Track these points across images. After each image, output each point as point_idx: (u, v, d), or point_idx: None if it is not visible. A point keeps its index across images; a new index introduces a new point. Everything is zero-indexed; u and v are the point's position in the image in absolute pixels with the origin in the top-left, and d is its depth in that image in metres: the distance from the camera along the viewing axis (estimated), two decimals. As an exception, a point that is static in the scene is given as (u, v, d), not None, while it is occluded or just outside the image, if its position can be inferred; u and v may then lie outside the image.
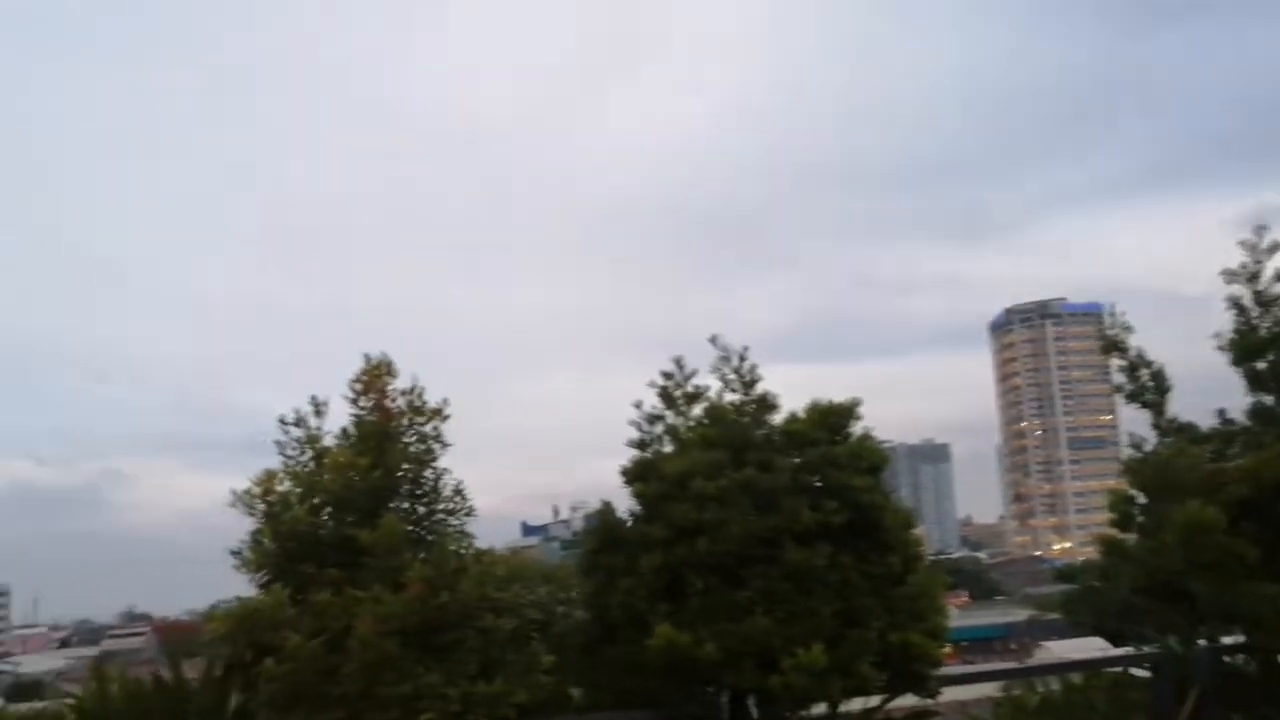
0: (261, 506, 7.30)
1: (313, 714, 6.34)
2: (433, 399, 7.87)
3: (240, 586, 7.20)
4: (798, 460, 7.88)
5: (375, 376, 7.73)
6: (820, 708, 7.70)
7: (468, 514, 7.88)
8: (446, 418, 7.88)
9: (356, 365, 7.75)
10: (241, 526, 7.28)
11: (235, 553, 7.26)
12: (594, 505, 8.55)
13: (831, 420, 8.14)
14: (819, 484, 7.82)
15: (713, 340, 8.43)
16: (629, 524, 8.00)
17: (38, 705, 9.47)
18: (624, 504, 8.11)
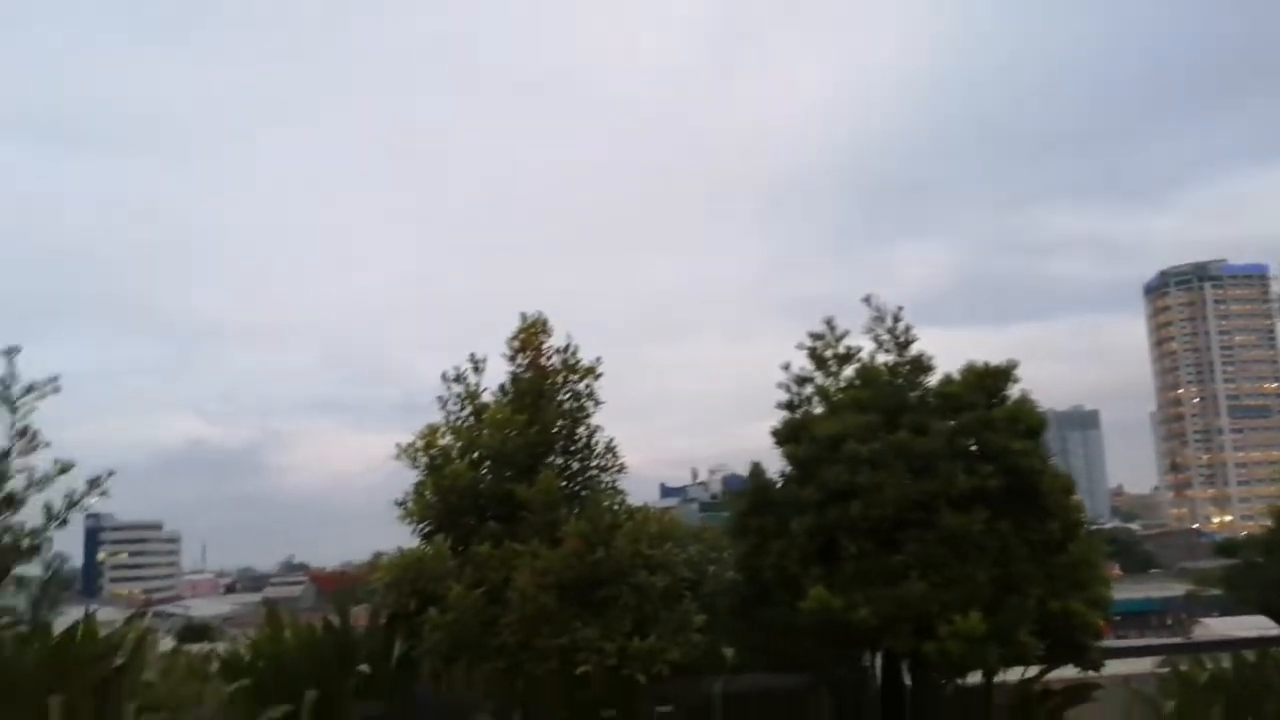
0: (424, 460, 7.53)
1: (474, 663, 6.53)
2: (586, 358, 7.97)
3: (393, 540, 7.44)
4: (953, 423, 7.71)
5: (531, 335, 7.86)
6: (976, 677, 7.58)
7: (619, 471, 7.98)
8: (599, 375, 7.98)
9: (513, 325, 7.90)
10: (396, 482, 7.52)
11: (399, 504, 7.51)
12: (733, 469, 8.57)
13: (988, 383, 7.94)
14: (975, 448, 7.65)
15: (867, 300, 8.31)
16: (779, 486, 7.97)
17: (207, 646, 9.96)
18: (772, 467, 8.08)
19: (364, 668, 6.83)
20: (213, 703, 6.79)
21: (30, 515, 7.19)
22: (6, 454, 7.16)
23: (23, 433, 7.22)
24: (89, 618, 7.24)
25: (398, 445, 7.49)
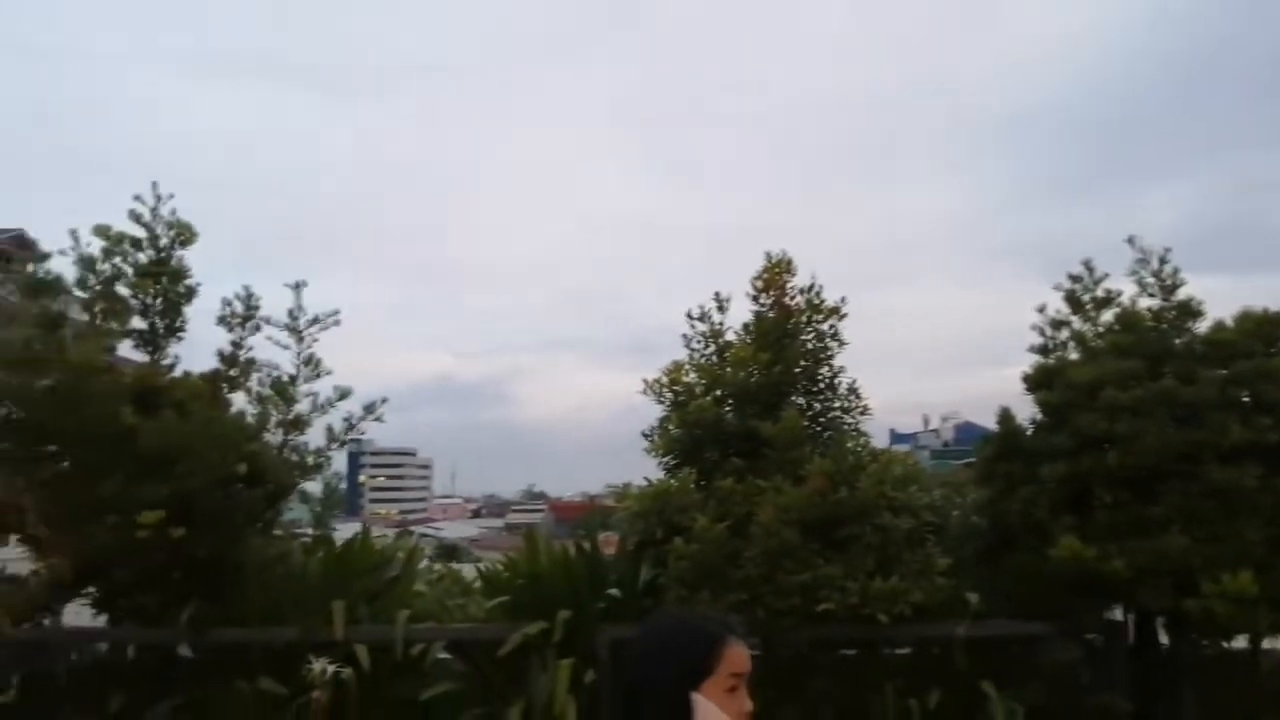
0: (669, 396, 7.74)
1: (717, 593, 6.71)
2: (830, 298, 7.93)
3: (623, 470, 7.71)
4: (1225, 373, 7.24)
5: (775, 274, 7.89)
6: (1240, 641, 7.18)
7: (862, 412, 7.93)
8: (844, 316, 7.92)
9: (747, 262, 7.95)
10: (626, 417, 7.75)
11: (646, 436, 7.76)
12: (965, 416, 8.35)
13: (1266, 330, 7.40)
14: (1249, 399, 7.17)
15: (1130, 241, 7.87)
16: (1029, 432, 7.73)
17: (460, 566, 10.61)
18: (1019, 414, 7.83)
19: (614, 591, 7.14)
20: (476, 615, 7.29)
21: (313, 436, 7.90)
22: (294, 380, 7.86)
23: (308, 361, 7.90)
24: (365, 531, 7.90)
25: (644, 381, 7.71)
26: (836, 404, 7.92)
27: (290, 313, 7.86)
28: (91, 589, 7.06)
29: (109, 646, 7.20)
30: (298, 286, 7.89)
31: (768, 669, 6.84)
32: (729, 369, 7.75)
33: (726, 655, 1.95)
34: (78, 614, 7.31)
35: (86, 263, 7.42)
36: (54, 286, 7.21)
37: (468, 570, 9.04)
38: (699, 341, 7.99)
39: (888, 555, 6.85)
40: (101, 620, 7.15)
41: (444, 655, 7.25)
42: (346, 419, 7.91)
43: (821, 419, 7.88)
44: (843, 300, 7.93)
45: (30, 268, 7.46)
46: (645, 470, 7.89)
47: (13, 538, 7.32)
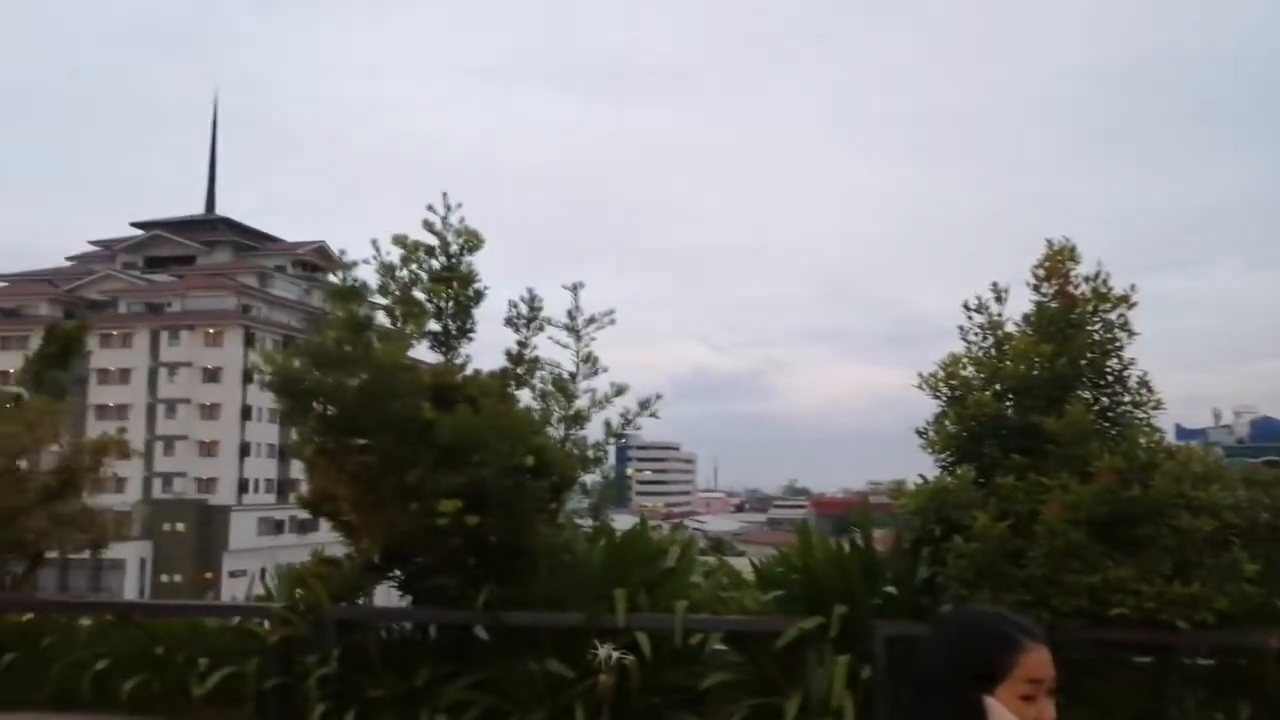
0: (945, 390, 7.56)
1: (998, 593, 6.51)
2: (1118, 286, 7.52)
3: (885, 466, 7.57)
4: None
5: (1058, 262, 7.55)
6: None
7: (1155, 407, 7.47)
8: (1133, 305, 7.49)
9: (1021, 250, 7.63)
10: (891, 410, 7.63)
11: (920, 433, 7.61)
12: (1262, 411, 7.65)
13: None
14: None
15: None
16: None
17: (728, 559, 10.72)
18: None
19: (890, 588, 7.07)
20: (750, 608, 7.39)
21: (592, 431, 8.24)
22: (573, 377, 8.22)
23: (586, 359, 8.25)
24: (643, 523, 8.16)
25: (919, 375, 7.57)
26: (1126, 398, 7.50)
27: (569, 313, 8.21)
28: (397, 572, 7.64)
29: (413, 625, 7.77)
30: (575, 288, 8.23)
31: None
32: (1009, 362, 7.49)
33: (1024, 659, 1.89)
34: (386, 595, 7.93)
35: (387, 270, 8.02)
36: (360, 293, 7.85)
37: (736, 563, 9.16)
38: (976, 334, 7.75)
39: (1186, 559, 6.44)
40: (406, 601, 7.73)
41: (720, 646, 7.39)
42: (623, 414, 8.20)
43: (1109, 414, 7.47)
44: (1132, 288, 7.50)
45: (337, 276, 8.16)
46: (909, 465, 7.77)
47: (328, 523, 8.05)
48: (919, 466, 7.65)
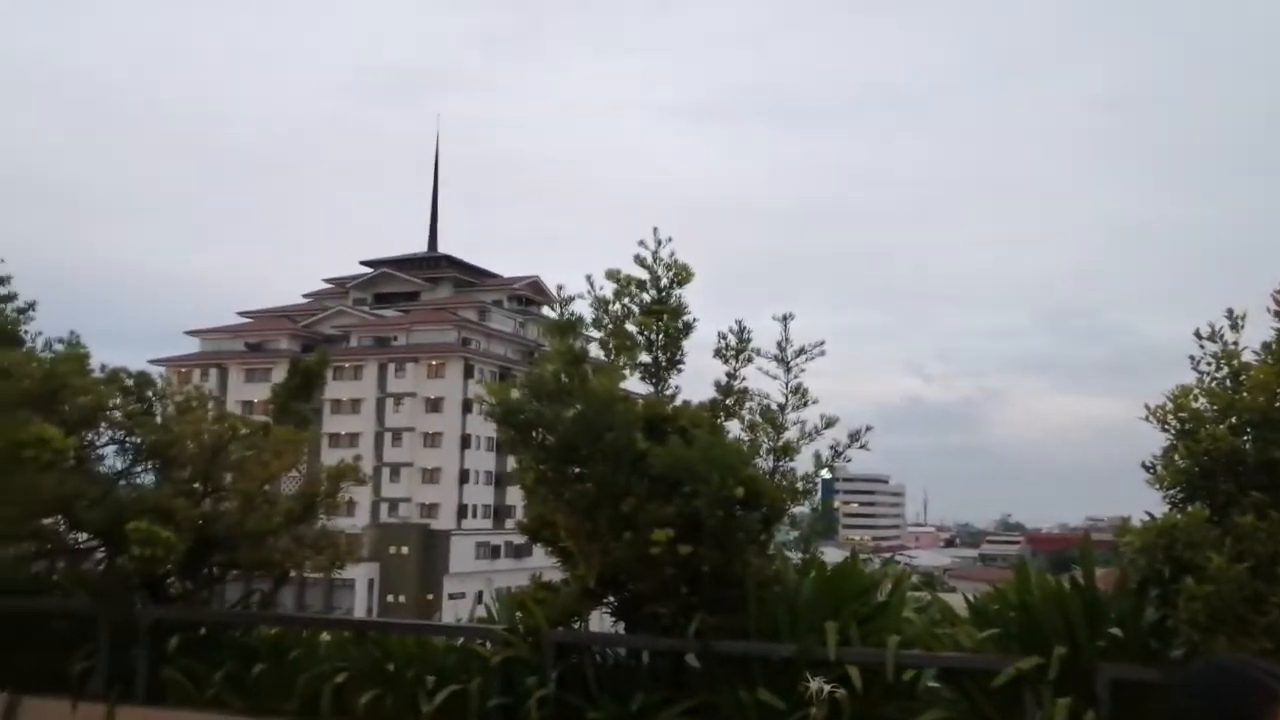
0: (1174, 423, 7.21)
1: (1236, 639, 6.15)
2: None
3: (1107, 504, 7.23)
4: None
5: (1300, 288, 7.10)
6: None
7: None
8: (1397, 332, 6.95)
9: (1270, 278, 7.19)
10: (1111, 444, 7.29)
11: (1148, 468, 7.28)
12: None
13: None
14: None
15: None
16: None
17: (940, 595, 10.46)
18: None
19: (1115, 630, 6.78)
20: (964, 644, 7.22)
21: (801, 463, 8.26)
22: (783, 408, 8.28)
23: (795, 390, 8.29)
24: (854, 555, 8.12)
25: (1146, 407, 7.26)
26: (1386, 433, 6.95)
27: (778, 344, 8.28)
28: (612, 598, 7.86)
29: (627, 651, 7.96)
30: (785, 319, 8.30)
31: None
32: (1246, 394, 7.08)
33: None
34: (599, 620, 8.16)
35: (601, 304, 8.31)
36: (576, 326, 8.17)
37: (948, 600, 8.96)
38: (1209, 363, 7.37)
39: None
40: (620, 627, 7.94)
41: (933, 683, 7.26)
42: (833, 446, 8.19)
43: (1365, 450, 6.94)
44: (1397, 313, 6.97)
45: (553, 310, 8.51)
46: (1132, 501, 7.44)
47: (544, 549, 8.37)
48: (1143, 503, 7.33)
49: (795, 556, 8.56)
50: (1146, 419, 7.30)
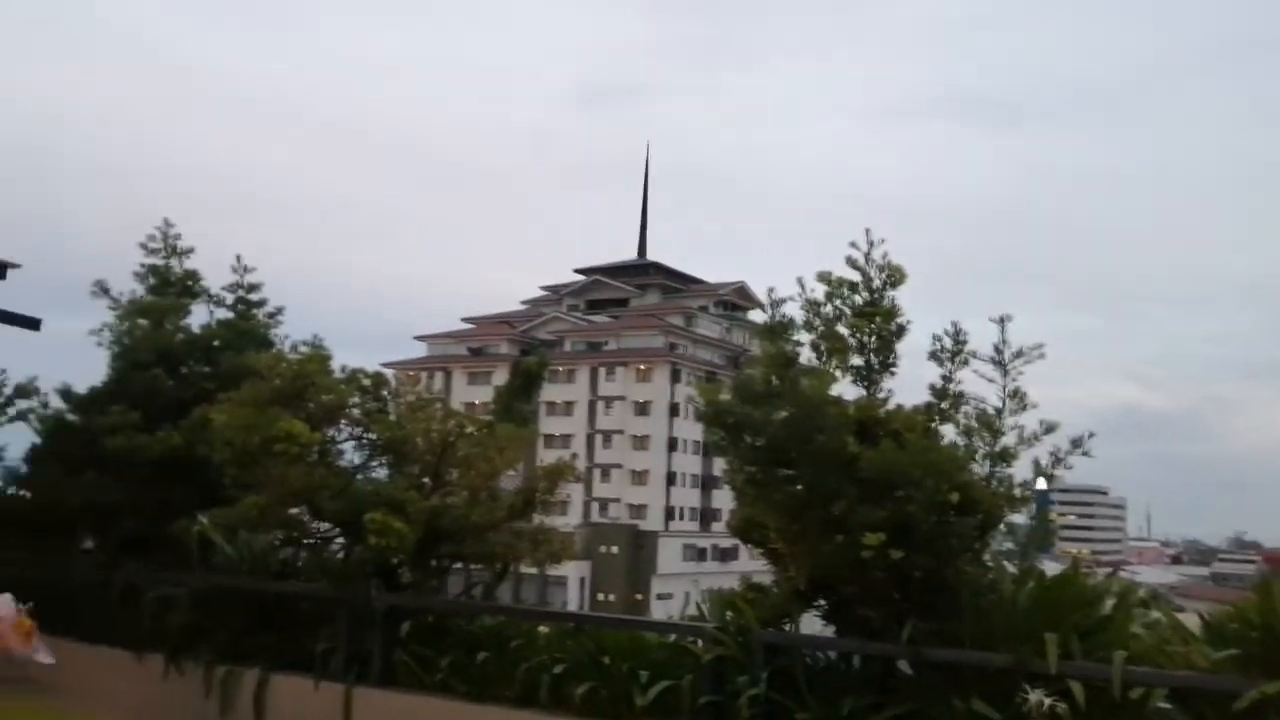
0: None
1: None
2: None
3: None
4: None
5: None
6: None
7: None
8: None
9: None
10: None
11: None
12: None
13: None
14: None
15: None
16: None
17: (1168, 612, 9.89)
18: None
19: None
20: (1198, 665, 6.84)
21: (1020, 469, 7.99)
22: (1000, 413, 8.04)
23: (1013, 394, 8.04)
24: (1076, 566, 7.82)
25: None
26: None
27: (995, 346, 8.06)
28: (821, 601, 7.85)
29: (837, 654, 7.92)
30: (1002, 321, 8.07)
31: None
32: None
33: None
34: (809, 622, 8.15)
35: (812, 306, 8.30)
36: (787, 329, 8.20)
37: (1209, 614, 8.47)
38: None
39: None
40: (830, 630, 7.91)
41: (1163, 704, 6.91)
42: (1053, 452, 7.91)
43: None
44: None
45: (764, 313, 8.55)
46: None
47: (756, 550, 8.43)
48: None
49: (1011, 567, 8.31)
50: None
